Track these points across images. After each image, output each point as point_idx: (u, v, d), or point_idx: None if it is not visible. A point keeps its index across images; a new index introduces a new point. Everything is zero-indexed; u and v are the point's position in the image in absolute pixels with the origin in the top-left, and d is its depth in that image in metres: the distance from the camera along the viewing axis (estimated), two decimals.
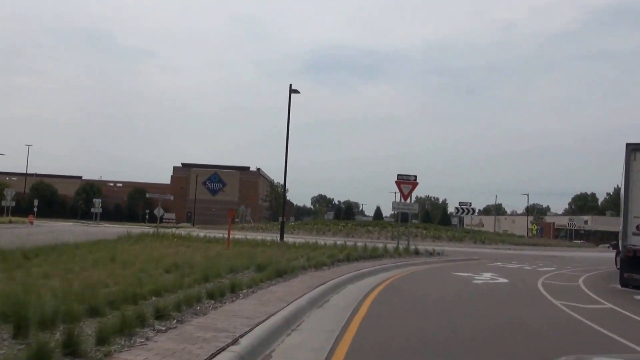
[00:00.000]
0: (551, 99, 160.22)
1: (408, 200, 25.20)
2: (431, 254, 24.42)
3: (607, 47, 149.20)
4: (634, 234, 15.01)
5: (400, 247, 24.63)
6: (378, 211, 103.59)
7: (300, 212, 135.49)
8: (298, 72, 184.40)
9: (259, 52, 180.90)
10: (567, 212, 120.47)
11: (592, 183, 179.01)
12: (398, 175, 24.99)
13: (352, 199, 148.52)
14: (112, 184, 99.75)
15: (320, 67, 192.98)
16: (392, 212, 39.96)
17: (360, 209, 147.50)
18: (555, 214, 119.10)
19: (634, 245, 14.97)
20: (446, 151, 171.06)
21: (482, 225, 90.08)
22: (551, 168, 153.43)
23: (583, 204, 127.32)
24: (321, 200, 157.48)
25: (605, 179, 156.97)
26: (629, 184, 15.17)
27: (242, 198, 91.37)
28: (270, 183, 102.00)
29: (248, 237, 26.53)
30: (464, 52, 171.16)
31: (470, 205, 45.31)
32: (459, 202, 45.15)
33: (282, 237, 27.80)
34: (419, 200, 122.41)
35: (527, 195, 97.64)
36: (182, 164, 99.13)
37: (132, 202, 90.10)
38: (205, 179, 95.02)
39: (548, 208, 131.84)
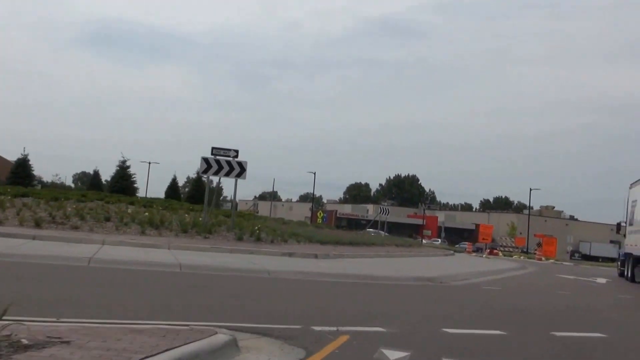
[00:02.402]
0: (327, 97, 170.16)
1: None
2: None
3: (376, 55, 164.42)
4: None
5: None
6: None
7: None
8: (80, 43, 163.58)
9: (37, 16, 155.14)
10: (342, 202, 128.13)
11: (365, 174, 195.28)
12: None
13: None
14: None
15: (108, 41, 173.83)
16: None
17: None
18: (334, 202, 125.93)
19: None
20: (233, 138, 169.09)
21: (257, 212, 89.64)
22: (327, 160, 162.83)
23: (357, 193, 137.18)
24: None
25: (377, 170, 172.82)
26: None
27: None
28: None
29: None
30: (251, 44, 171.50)
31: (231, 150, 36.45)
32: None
33: None
34: None
35: (313, 181, 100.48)
36: None
37: None
38: None
39: (321, 197, 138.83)
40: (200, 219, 20.37)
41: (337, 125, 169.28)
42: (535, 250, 53.43)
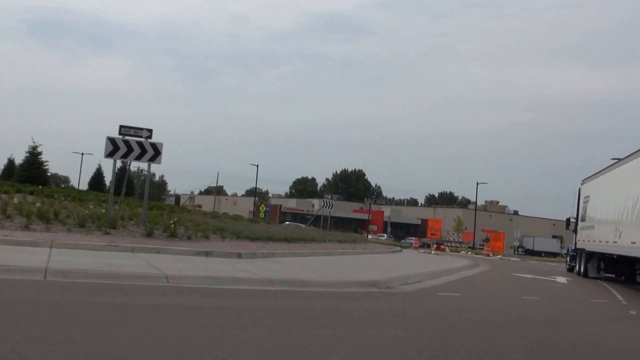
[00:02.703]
0: (274, 91, 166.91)
1: None
2: None
3: (323, 50, 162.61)
4: None
5: None
6: None
7: None
8: (17, 32, 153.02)
9: None
10: (289, 196, 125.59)
11: (311, 169, 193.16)
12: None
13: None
14: None
15: (47, 30, 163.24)
16: None
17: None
18: (280, 196, 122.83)
19: None
20: (178, 131, 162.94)
21: (200, 206, 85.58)
22: (274, 154, 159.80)
23: (304, 188, 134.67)
24: None
25: (324, 165, 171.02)
26: None
27: None
28: None
29: None
30: (198, 36, 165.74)
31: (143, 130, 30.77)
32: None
33: None
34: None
35: (256, 173, 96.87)
36: None
37: None
38: None
39: (267, 192, 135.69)
40: (104, 210, 17.02)
41: (284, 120, 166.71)
42: (483, 245, 52.30)
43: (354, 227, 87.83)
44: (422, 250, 39.58)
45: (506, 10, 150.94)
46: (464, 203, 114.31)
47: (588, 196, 24.20)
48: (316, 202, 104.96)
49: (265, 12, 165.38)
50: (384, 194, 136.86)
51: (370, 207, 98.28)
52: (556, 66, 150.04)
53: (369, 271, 14.36)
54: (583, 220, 24.63)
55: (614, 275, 21.77)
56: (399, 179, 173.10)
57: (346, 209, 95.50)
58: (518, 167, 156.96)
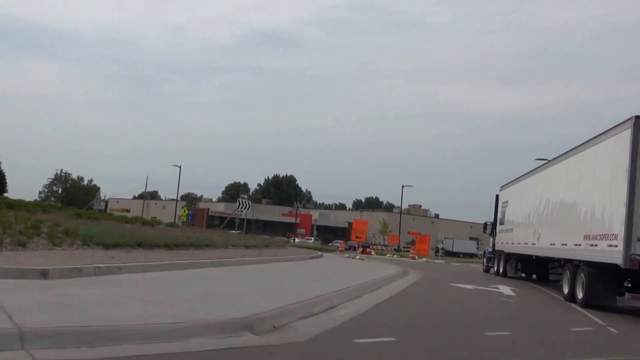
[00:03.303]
0: (212, 101, 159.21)
1: None
2: None
3: (260, 63, 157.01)
4: None
5: None
6: None
7: None
8: None
9: None
10: (221, 200, 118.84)
11: (245, 175, 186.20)
12: None
13: None
14: None
15: None
16: None
17: None
18: (210, 201, 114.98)
19: (639, 255, 10.83)
20: (117, 139, 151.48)
21: (129, 210, 77.36)
22: (210, 161, 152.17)
23: (235, 192, 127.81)
24: None
25: (258, 172, 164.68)
26: (636, 170, 10.99)
27: None
28: None
29: None
30: (136, 45, 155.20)
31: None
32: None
33: None
34: None
35: (178, 175, 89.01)
36: None
37: None
38: None
39: (202, 197, 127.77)
40: None
41: (221, 129, 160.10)
42: (409, 247, 48.08)
43: (283, 231, 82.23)
44: (347, 255, 34.40)
45: (427, 33, 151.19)
46: (389, 207, 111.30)
47: (507, 201, 24.26)
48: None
49: (203, 24, 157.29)
50: (314, 199, 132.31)
51: (298, 211, 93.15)
52: (471, 84, 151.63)
53: (256, 294, 8.91)
54: (502, 223, 24.74)
55: (524, 275, 22.62)
56: (329, 185, 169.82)
57: (275, 213, 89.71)
58: (439, 175, 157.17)
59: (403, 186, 59.21)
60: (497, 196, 26.43)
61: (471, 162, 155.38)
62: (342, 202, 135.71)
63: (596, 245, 12.21)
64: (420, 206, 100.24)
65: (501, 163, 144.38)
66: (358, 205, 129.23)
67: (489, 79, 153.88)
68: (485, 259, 28.23)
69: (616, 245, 11.13)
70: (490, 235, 26.96)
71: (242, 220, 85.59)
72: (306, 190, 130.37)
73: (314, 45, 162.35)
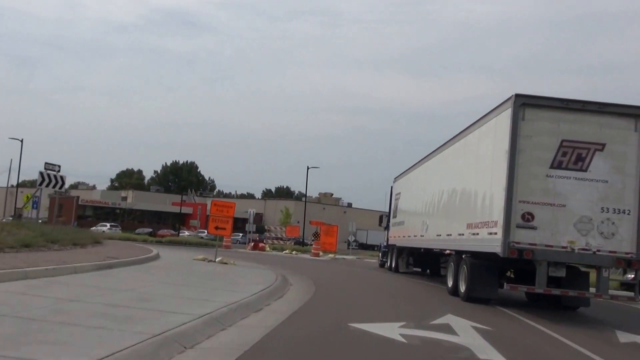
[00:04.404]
0: (109, 85, 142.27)
1: None
2: None
3: (164, 45, 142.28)
4: (519, 226, 10.21)
5: None
6: None
7: None
8: None
9: None
10: (111, 188, 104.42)
11: (142, 163, 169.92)
12: None
13: None
14: None
15: None
16: None
17: None
18: (93, 188, 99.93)
19: (518, 243, 10.16)
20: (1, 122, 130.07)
21: None
22: (105, 147, 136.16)
23: (128, 181, 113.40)
24: None
25: (157, 160, 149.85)
26: (516, 153, 10.29)
27: None
28: None
29: None
30: (27, 22, 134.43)
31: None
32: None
33: None
34: None
35: (20, 149, 74.25)
36: None
37: None
38: None
39: (78, 184, 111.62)
40: None
41: (118, 113, 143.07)
42: (312, 242, 39.15)
43: (172, 223, 70.72)
44: (202, 257, 22.10)
45: (340, 20, 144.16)
46: (300, 197, 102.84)
47: (399, 193, 23.47)
48: (128, 193, 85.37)
49: (102, 1, 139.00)
50: (220, 188, 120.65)
51: (194, 200, 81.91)
52: (383, 76, 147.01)
53: None
54: (395, 216, 23.83)
55: (420, 270, 22.02)
56: (238, 176, 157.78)
57: (167, 202, 77.57)
58: (352, 164, 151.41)
59: (308, 168, 50.32)
60: (391, 188, 25.49)
61: (387, 153, 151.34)
62: (251, 192, 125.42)
63: (478, 234, 11.78)
64: (332, 194, 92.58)
65: (416, 153, 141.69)
66: (267, 194, 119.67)
67: (398, 71, 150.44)
68: (380, 254, 27.80)
69: (496, 233, 10.67)
70: (385, 228, 26.29)
71: (122, 210, 72.53)
72: (209, 178, 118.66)
73: (223, 28, 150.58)
